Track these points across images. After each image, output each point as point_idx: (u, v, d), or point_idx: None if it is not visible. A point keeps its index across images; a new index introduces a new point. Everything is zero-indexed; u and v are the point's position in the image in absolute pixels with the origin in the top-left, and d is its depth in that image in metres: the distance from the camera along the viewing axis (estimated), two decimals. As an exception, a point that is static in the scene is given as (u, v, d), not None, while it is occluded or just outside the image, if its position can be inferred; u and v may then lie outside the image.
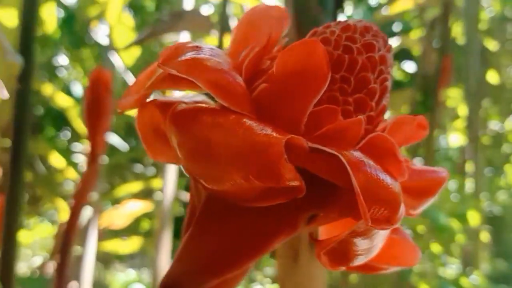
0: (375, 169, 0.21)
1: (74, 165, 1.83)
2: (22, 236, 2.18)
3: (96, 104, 0.83)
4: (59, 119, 2.12)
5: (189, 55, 0.23)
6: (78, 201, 0.80)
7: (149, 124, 0.27)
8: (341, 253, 0.24)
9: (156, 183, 1.66)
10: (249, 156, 0.21)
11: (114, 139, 1.90)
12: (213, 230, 0.27)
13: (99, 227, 1.29)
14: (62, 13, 2.13)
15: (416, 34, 2.28)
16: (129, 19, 1.60)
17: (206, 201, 0.27)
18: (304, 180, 0.24)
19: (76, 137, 1.99)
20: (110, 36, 1.51)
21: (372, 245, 0.24)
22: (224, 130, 0.22)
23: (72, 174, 1.74)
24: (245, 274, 0.29)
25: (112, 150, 1.89)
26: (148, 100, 0.27)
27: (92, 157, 0.83)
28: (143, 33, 1.25)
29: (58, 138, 2.33)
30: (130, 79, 1.48)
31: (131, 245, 1.66)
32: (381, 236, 0.24)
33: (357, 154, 0.21)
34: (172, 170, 1.26)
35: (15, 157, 0.83)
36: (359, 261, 0.25)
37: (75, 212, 0.80)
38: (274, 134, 0.21)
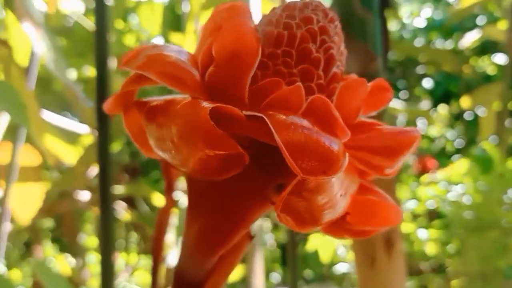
0: (307, 128, 0.23)
1: (176, 204, 1.92)
2: (138, 276, 2.31)
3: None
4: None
5: (145, 53, 0.27)
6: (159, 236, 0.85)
7: (136, 123, 0.30)
8: (304, 212, 0.25)
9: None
10: (193, 130, 0.23)
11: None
12: (197, 211, 0.29)
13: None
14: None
15: (503, 25, 2.18)
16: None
17: (188, 186, 0.29)
18: (260, 150, 0.26)
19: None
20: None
21: (332, 200, 0.25)
22: (179, 114, 0.25)
23: (175, 212, 1.82)
24: (239, 252, 0.31)
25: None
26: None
27: (168, 187, 0.88)
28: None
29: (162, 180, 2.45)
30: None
31: (234, 273, 1.70)
32: (337, 191, 0.25)
33: (287, 116, 0.23)
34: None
35: (104, 198, 0.90)
36: (326, 218, 0.26)
37: (158, 248, 0.85)
38: (205, 104, 0.23)
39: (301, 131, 0.23)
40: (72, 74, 1.76)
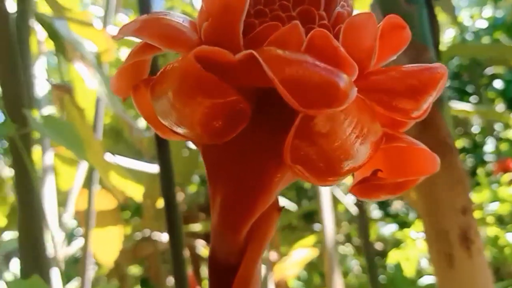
0: (304, 60, 0.21)
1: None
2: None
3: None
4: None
5: (141, 19, 0.26)
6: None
7: (146, 105, 0.29)
8: (318, 160, 0.23)
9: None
10: (184, 81, 0.22)
11: (284, 201, 1.95)
12: (215, 185, 0.27)
13: (274, 282, 1.32)
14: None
15: None
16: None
17: (204, 161, 0.28)
18: (265, 104, 0.24)
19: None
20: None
21: (346, 144, 0.23)
22: (171, 73, 0.24)
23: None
24: (269, 228, 0.29)
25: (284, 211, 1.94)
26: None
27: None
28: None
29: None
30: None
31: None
32: (350, 132, 0.23)
33: (281, 51, 0.21)
34: (328, 213, 1.26)
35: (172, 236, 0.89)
36: (346, 167, 0.24)
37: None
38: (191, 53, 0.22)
39: (296, 64, 0.21)
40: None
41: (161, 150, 0.89)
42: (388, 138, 0.26)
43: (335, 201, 1.61)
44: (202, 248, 1.90)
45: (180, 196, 1.91)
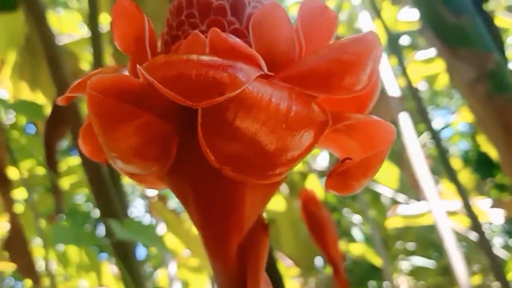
0: (187, 60, 0.21)
1: None
2: None
3: (314, 223, 0.86)
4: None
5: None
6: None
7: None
8: (251, 156, 0.22)
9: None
10: (92, 113, 0.23)
11: (417, 260, 1.85)
12: (188, 213, 0.27)
13: None
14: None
15: None
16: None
17: (172, 190, 0.28)
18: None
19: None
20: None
21: (270, 130, 0.22)
22: (89, 111, 0.24)
23: None
24: (261, 246, 0.28)
25: (418, 271, 1.83)
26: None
27: (335, 270, 0.84)
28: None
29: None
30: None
31: None
32: (278, 121, 0.22)
33: (166, 58, 0.22)
34: (458, 258, 1.16)
35: None
36: (289, 156, 0.22)
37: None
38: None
39: (176, 64, 0.21)
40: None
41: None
42: (336, 119, 0.25)
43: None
44: None
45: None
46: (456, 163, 1.94)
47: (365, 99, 0.27)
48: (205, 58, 0.21)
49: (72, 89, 0.25)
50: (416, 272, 1.88)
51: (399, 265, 1.86)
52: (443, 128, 2.34)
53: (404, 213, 1.50)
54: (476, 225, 1.17)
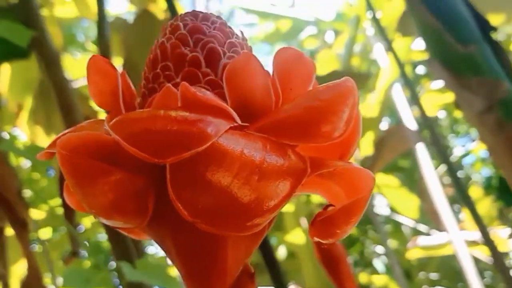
0: (154, 116, 0.21)
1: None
2: None
3: (328, 258, 0.85)
4: None
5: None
6: None
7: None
8: (226, 208, 0.22)
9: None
10: (67, 173, 0.23)
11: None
12: (173, 262, 0.27)
13: None
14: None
15: None
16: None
17: (157, 243, 0.28)
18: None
19: None
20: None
21: (243, 181, 0.22)
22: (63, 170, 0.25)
23: None
24: None
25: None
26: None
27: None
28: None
29: None
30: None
31: None
32: (250, 172, 0.22)
33: (134, 114, 0.22)
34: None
35: None
36: (267, 206, 0.22)
37: None
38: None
39: (144, 121, 0.21)
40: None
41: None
42: (315, 166, 0.24)
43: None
44: None
45: None
46: (477, 191, 1.91)
47: (346, 144, 0.26)
48: (172, 113, 0.21)
49: (49, 146, 0.25)
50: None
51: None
52: (464, 156, 2.31)
53: (424, 244, 1.48)
54: (495, 254, 1.14)
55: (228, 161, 0.21)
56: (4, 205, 1.00)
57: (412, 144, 1.24)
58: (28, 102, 1.22)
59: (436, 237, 1.47)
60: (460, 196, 1.14)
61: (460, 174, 2.50)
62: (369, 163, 1.23)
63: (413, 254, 1.58)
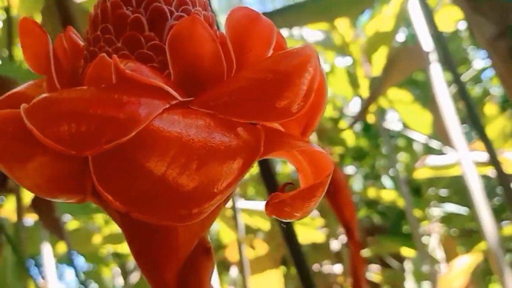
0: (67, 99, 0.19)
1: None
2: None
3: (335, 197, 0.84)
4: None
5: None
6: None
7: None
8: (165, 194, 0.20)
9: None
10: None
11: (450, 207, 1.81)
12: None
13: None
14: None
15: None
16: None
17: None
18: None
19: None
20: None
21: (181, 166, 0.20)
22: None
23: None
24: (202, 270, 0.26)
25: (451, 218, 1.80)
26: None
27: (349, 232, 0.83)
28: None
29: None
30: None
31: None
32: (190, 154, 0.19)
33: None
34: (485, 213, 1.13)
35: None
36: (216, 189, 0.20)
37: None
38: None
39: (61, 106, 0.19)
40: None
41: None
42: (270, 146, 0.22)
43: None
44: (374, 274, 1.82)
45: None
46: (492, 108, 1.86)
47: (309, 115, 0.24)
48: (95, 95, 0.19)
49: None
50: (448, 219, 1.85)
51: (431, 211, 1.84)
52: (483, 70, 2.24)
53: (433, 164, 1.46)
54: (501, 176, 1.12)
55: (162, 146, 0.19)
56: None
57: (425, 63, 1.19)
58: (38, 17, 1.18)
59: (445, 157, 1.45)
60: (469, 117, 1.11)
61: (478, 87, 2.44)
62: (379, 82, 1.19)
63: (422, 173, 1.57)
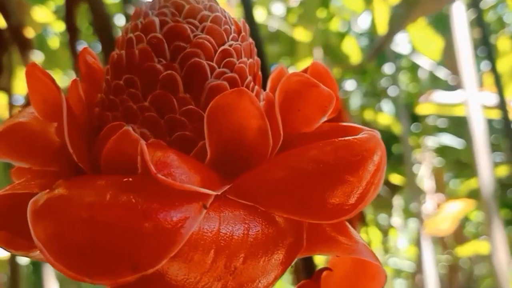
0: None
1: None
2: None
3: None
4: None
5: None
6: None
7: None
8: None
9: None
10: None
11: (446, 138, 1.80)
12: None
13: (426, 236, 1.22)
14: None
15: None
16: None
17: None
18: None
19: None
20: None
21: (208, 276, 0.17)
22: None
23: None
24: None
25: (445, 149, 1.80)
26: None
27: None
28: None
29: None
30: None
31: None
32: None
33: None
34: (485, 161, 1.11)
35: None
36: None
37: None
38: None
39: (74, 214, 0.15)
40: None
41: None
42: (313, 241, 0.19)
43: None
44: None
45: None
46: (505, 43, 1.79)
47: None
48: (115, 199, 0.15)
49: None
50: (442, 150, 1.84)
51: (425, 140, 1.82)
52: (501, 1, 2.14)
53: (438, 100, 1.42)
54: (505, 118, 1.09)
55: (196, 254, 0.16)
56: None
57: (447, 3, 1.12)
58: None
59: (451, 95, 1.41)
60: (484, 50, 1.05)
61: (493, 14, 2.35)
62: (398, 20, 1.12)
63: (425, 109, 1.54)
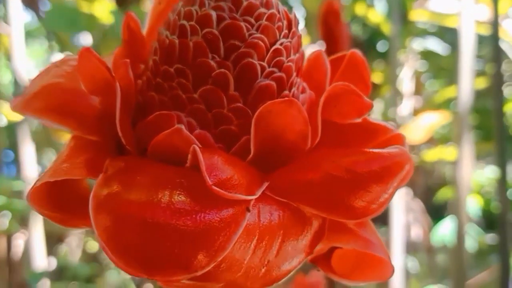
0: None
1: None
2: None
3: (330, 35, 0.81)
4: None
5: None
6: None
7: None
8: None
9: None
10: None
11: (432, 43, 1.80)
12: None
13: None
14: None
15: None
16: None
17: None
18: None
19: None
20: None
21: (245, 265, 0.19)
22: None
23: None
24: None
25: (429, 54, 1.80)
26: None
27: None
28: None
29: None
30: None
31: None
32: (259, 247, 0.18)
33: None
34: (465, 75, 1.12)
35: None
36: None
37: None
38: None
39: (135, 212, 0.17)
40: None
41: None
42: (331, 237, 0.21)
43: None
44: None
45: None
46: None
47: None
48: (169, 203, 0.17)
49: None
50: (426, 54, 1.84)
51: (411, 43, 1.81)
52: None
53: (432, 9, 1.40)
54: (494, 40, 1.10)
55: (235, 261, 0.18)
56: None
57: None
58: None
59: (446, 4, 1.38)
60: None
61: None
62: None
63: (418, 15, 1.51)
